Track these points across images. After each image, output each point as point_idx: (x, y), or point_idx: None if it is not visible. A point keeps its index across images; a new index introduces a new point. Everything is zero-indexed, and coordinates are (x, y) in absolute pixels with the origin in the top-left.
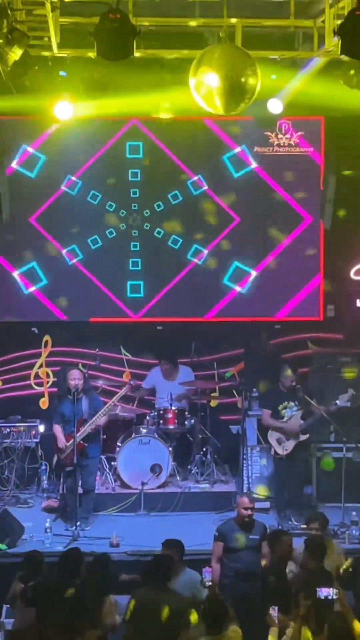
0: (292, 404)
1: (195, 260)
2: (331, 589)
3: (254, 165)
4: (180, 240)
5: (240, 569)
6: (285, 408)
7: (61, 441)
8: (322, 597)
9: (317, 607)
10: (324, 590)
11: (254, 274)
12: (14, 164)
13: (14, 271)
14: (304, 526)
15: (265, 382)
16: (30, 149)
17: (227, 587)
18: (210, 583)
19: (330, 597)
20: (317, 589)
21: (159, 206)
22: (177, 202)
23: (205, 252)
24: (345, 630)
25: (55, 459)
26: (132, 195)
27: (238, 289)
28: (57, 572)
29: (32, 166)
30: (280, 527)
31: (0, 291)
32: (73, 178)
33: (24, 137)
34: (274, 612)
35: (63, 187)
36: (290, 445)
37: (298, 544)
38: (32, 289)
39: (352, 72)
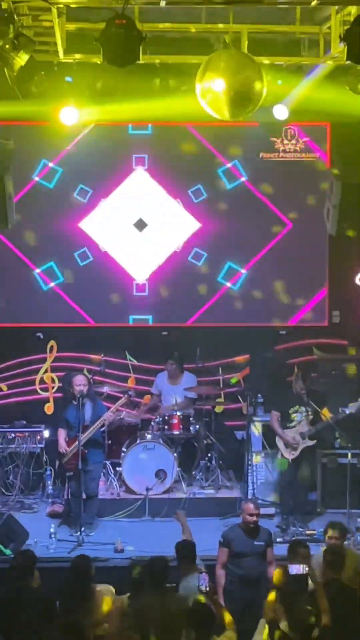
0: (302, 408)
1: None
2: (301, 565)
3: (244, 178)
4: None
5: (245, 575)
6: (295, 412)
7: (61, 446)
8: (293, 574)
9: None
10: (294, 567)
11: (259, 279)
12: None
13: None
14: (326, 535)
15: (277, 384)
16: (51, 164)
17: (232, 593)
18: (208, 589)
19: (301, 573)
20: (289, 565)
21: None
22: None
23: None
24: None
25: (58, 463)
26: None
27: (243, 294)
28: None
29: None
30: (284, 532)
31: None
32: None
33: (38, 145)
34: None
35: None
36: (296, 451)
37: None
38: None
39: (357, 78)
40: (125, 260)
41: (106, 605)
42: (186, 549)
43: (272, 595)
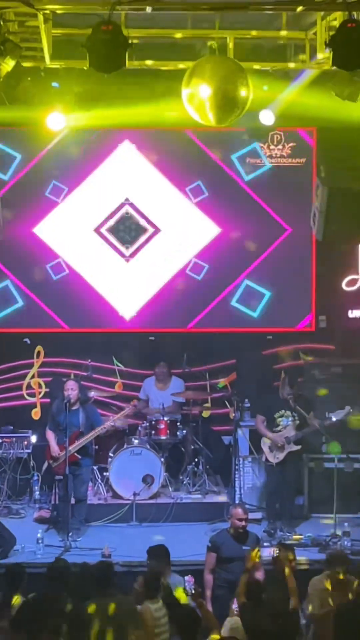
0: (288, 412)
1: (191, 273)
2: (272, 549)
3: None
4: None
5: (233, 579)
6: (281, 417)
7: (54, 450)
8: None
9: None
10: (266, 550)
11: (246, 284)
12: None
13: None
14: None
15: (263, 388)
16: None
17: (220, 598)
18: (193, 592)
19: (271, 555)
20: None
21: None
22: None
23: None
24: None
25: (45, 465)
26: None
27: (230, 300)
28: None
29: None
30: (271, 537)
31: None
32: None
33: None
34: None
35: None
36: (281, 454)
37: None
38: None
39: (343, 83)
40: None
41: None
42: (158, 552)
43: (244, 579)
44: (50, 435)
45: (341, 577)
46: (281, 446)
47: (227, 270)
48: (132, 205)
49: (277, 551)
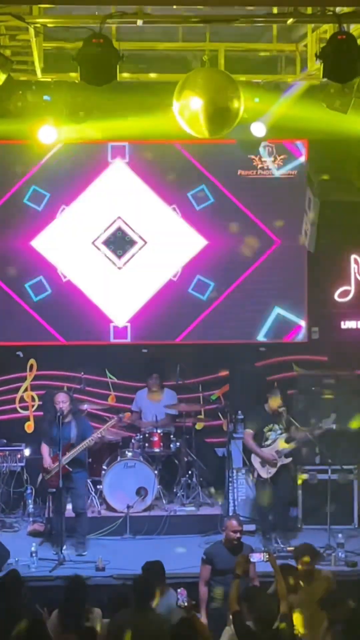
0: (277, 426)
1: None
2: (262, 554)
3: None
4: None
5: (228, 592)
6: (270, 430)
7: (46, 461)
8: (254, 561)
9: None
10: (256, 556)
11: (237, 296)
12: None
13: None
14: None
15: (257, 400)
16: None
17: (216, 610)
18: (185, 604)
19: (261, 561)
20: (250, 554)
21: None
22: None
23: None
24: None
25: (39, 478)
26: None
27: (221, 311)
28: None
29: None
30: (265, 548)
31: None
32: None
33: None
34: None
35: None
36: (273, 468)
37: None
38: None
39: (334, 95)
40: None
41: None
42: (154, 568)
43: (234, 587)
44: (45, 450)
45: (306, 559)
46: (274, 462)
47: (218, 282)
48: (121, 219)
49: (267, 556)
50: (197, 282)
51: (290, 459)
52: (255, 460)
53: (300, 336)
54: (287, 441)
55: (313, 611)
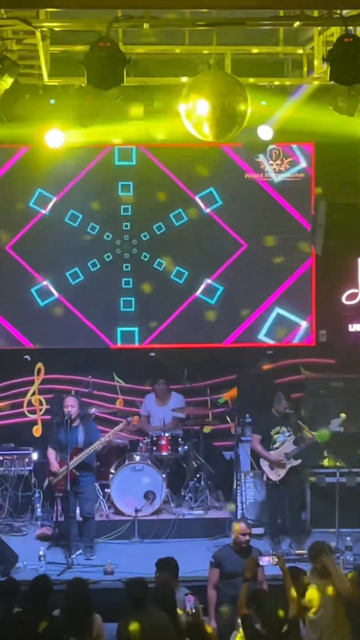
0: (284, 429)
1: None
2: (271, 557)
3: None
4: (164, 264)
5: (236, 595)
6: (277, 433)
7: (53, 465)
8: (263, 565)
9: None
10: (265, 559)
11: (244, 298)
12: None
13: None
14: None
15: (265, 403)
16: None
17: (225, 614)
18: (193, 611)
19: (270, 564)
20: (259, 557)
21: (145, 236)
22: (162, 232)
23: (209, 281)
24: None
25: (46, 482)
26: (122, 219)
27: (228, 314)
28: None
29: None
30: (273, 552)
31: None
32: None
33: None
34: None
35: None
36: (282, 471)
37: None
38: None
39: (340, 98)
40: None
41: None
42: (167, 565)
43: (243, 590)
44: (51, 453)
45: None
46: (282, 464)
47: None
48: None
49: (276, 560)
50: (206, 286)
51: (299, 461)
52: (264, 464)
53: (301, 335)
54: (295, 443)
55: (333, 609)
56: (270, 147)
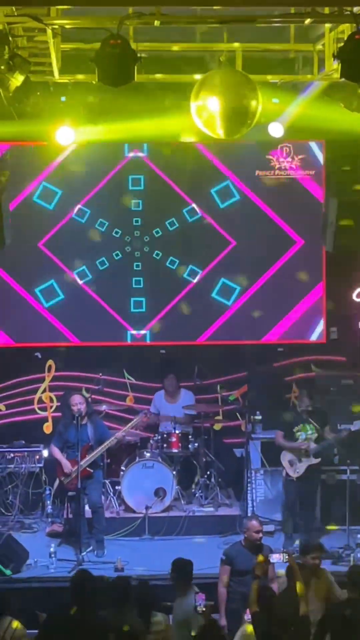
0: (306, 426)
1: (194, 280)
2: (282, 554)
3: (237, 197)
4: (177, 262)
5: (247, 592)
6: (299, 431)
7: (67, 467)
8: (273, 562)
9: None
10: (275, 556)
11: (256, 296)
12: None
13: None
14: (301, 555)
15: (275, 401)
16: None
17: (234, 611)
18: (204, 609)
19: (281, 562)
20: (270, 555)
21: (172, 224)
22: (174, 228)
23: (199, 274)
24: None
25: (56, 482)
26: (134, 219)
27: (240, 311)
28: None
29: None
30: (284, 549)
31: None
32: (79, 206)
33: (32, 165)
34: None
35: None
36: (302, 467)
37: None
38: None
39: (351, 95)
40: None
41: None
42: (183, 567)
43: (254, 587)
44: (57, 452)
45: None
46: (305, 453)
47: (238, 283)
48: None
49: (287, 557)
50: (222, 285)
51: (319, 460)
52: (284, 459)
53: (319, 336)
54: (317, 441)
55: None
56: (281, 144)
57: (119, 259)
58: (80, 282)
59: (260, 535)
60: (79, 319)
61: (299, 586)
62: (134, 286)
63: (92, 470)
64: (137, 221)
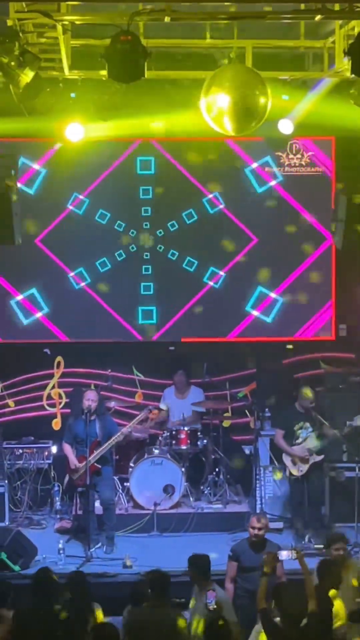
0: (307, 424)
1: (211, 283)
2: (291, 551)
3: (273, 182)
4: (196, 263)
5: (253, 589)
6: (301, 428)
7: (72, 462)
8: (282, 559)
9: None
10: (284, 553)
11: (272, 295)
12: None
13: (18, 295)
14: (325, 548)
15: (279, 399)
16: (35, 166)
17: (241, 607)
18: (215, 607)
19: (290, 559)
20: (278, 552)
21: (172, 225)
22: (192, 221)
23: (222, 274)
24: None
25: (66, 479)
26: (143, 214)
27: (255, 312)
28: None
29: (33, 183)
30: (294, 546)
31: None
32: (80, 196)
33: (34, 157)
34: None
35: (70, 206)
36: (305, 466)
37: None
38: (38, 314)
39: None
40: None
41: None
42: (202, 562)
43: (263, 584)
44: (68, 449)
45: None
46: (305, 459)
47: (246, 280)
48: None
49: (296, 554)
50: (226, 279)
51: (322, 457)
52: (287, 459)
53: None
54: (319, 438)
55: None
56: (290, 141)
57: (122, 259)
58: (82, 284)
59: (256, 531)
60: (86, 321)
61: (309, 584)
62: (142, 292)
63: (100, 466)
64: (146, 210)
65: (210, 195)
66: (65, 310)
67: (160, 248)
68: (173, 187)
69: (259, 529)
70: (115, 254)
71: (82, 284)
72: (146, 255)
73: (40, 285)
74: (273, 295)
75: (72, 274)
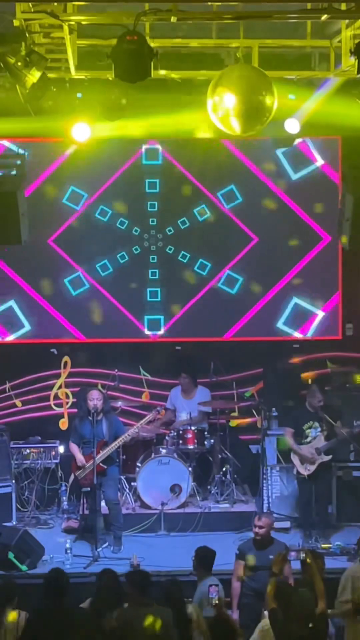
0: (317, 424)
1: (214, 282)
2: (298, 552)
3: (279, 182)
4: (199, 261)
5: (259, 587)
6: (310, 428)
7: (80, 460)
8: (291, 560)
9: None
10: (293, 554)
11: (273, 294)
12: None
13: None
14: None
15: (291, 397)
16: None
17: (247, 606)
18: (217, 602)
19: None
20: (287, 552)
21: (183, 223)
22: (205, 218)
23: (225, 272)
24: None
25: (71, 478)
26: (149, 214)
27: (257, 309)
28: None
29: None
30: (302, 546)
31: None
32: (87, 196)
33: (44, 159)
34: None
35: (80, 209)
36: (312, 466)
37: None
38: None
39: None
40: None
41: None
42: (205, 555)
43: (272, 584)
44: (74, 448)
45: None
46: (312, 460)
47: (253, 280)
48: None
49: (304, 555)
50: (240, 280)
51: (330, 457)
52: (295, 458)
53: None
54: (328, 438)
55: None
56: (297, 140)
57: (124, 261)
58: (93, 280)
59: (257, 530)
60: (93, 319)
61: (319, 584)
62: (150, 294)
63: (105, 467)
64: (152, 206)
65: (218, 194)
66: (75, 309)
67: (170, 249)
68: (178, 189)
69: (260, 527)
70: (117, 256)
71: (91, 282)
72: (153, 259)
73: (50, 283)
74: (281, 295)
75: (81, 271)
